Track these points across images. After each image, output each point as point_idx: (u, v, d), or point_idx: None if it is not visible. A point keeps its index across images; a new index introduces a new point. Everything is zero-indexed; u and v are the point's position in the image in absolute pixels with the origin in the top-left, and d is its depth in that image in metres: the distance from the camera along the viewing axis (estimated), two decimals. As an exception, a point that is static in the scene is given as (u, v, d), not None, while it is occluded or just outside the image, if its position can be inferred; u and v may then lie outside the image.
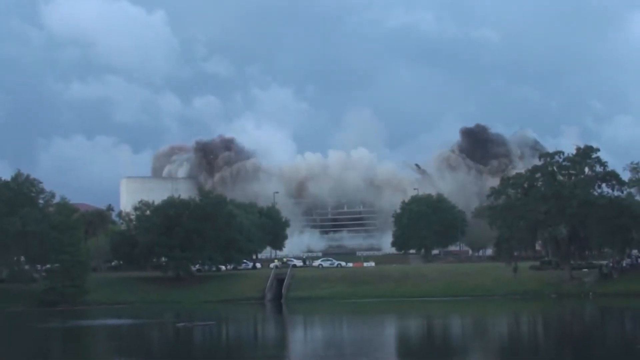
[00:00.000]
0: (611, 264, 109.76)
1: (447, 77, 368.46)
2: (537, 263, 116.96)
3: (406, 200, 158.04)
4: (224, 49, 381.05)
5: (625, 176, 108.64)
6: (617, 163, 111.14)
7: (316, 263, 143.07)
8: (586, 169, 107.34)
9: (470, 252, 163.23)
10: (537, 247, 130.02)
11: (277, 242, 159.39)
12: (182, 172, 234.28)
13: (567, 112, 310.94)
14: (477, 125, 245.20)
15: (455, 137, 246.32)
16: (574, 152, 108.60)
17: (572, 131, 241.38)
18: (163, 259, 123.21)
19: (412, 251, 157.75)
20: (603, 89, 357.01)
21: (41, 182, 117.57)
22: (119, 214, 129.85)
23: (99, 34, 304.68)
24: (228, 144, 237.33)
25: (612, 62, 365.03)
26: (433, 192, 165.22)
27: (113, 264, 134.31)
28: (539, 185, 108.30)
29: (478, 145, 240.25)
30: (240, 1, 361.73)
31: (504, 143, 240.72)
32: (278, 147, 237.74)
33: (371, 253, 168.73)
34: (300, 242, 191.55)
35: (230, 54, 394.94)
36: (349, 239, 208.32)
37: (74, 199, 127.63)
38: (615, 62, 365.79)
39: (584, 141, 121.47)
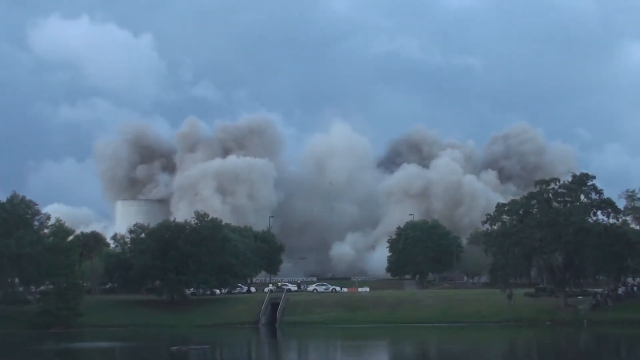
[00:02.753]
0: (606, 292, 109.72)
1: (434, 103, 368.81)
2: (532, 290, 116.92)
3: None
4: (211, 73, 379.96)
5: (621, 204, 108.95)
6: (607, 191, 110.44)
7: (311, 288, 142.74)
8: (581, 197, 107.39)
9: (465, 278, 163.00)
10: (532, 274, 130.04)
11: (272, 266, 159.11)
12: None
13: (555, 139, 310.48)
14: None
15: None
16: (570, 179, 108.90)
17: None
18: (158, 282, 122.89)
19: (407, 277, 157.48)
20: (592, 117, 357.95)
21: (37, 204, 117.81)
22: (114, 237, 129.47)
23: (87, 58, 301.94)
24: None
25: (601, 90, 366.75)
26: None
27: (107, 286, 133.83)
28: (534, 212, 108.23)
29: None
30: (227, 26, 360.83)
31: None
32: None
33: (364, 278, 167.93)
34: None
35: (218, 78, 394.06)
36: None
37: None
38: (604, 90, 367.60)
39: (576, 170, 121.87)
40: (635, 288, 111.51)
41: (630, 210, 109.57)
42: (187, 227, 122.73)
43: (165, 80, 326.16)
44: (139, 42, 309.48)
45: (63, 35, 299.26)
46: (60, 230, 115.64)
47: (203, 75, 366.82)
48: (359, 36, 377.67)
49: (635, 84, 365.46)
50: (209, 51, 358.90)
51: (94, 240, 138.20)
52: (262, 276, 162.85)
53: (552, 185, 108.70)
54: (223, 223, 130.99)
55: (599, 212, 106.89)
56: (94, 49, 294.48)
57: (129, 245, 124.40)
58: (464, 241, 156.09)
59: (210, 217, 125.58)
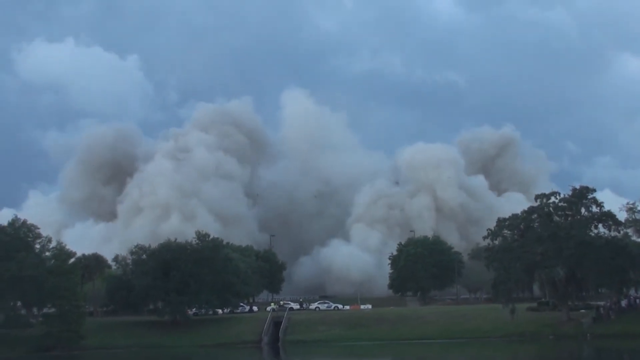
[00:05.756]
0: (609, 305, 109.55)
1: (420, 120, 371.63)
2: (535, 304, 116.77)
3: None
4: (198, 93, 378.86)
5: (622, 216, 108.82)
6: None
7: (313, 306, 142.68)
8: (582, 210, 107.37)
9: (468, 293, 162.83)
10: (534, 289, 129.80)
11: (274, 285, 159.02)
12: None
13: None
14: None
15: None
16: (570, 192, 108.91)
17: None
18: (159, 302, 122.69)
19: (409, 293, 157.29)
20: (581, 131, 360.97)
21: (38, 227, 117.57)
22: (115, 258, 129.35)
23: (73, 81, 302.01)
24: None
25: (590, 103, 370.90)
26: None
27: (110, 308, 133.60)
28: (535, 226, 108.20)
29: None
30: (214, 46, 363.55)
31: None
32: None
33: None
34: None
35: (205, 98, 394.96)
36: None
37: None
38: (593, 103, 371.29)
39: (563, 183, 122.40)
40: (638, 300, 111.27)
41: (632, 222, 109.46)
42: (188, 247, 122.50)
43: (152, 101, 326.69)
44: (125, 64, 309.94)
45: (48, 59, 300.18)
46: (62, 252, 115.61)
47: (190, 95, 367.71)
48: (346, 53, 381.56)
49: (625, 95, 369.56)
50: (195, 71, 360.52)
51: (95, 262, 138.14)
52: (264, 295, 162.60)
53: (553, 199, 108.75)
54: (224, 243, 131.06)
55: (600, 225, 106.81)
56: (80, 72, 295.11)
57: (131, 266, 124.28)
58: (465, 257, 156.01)
59: (211, 236, 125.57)
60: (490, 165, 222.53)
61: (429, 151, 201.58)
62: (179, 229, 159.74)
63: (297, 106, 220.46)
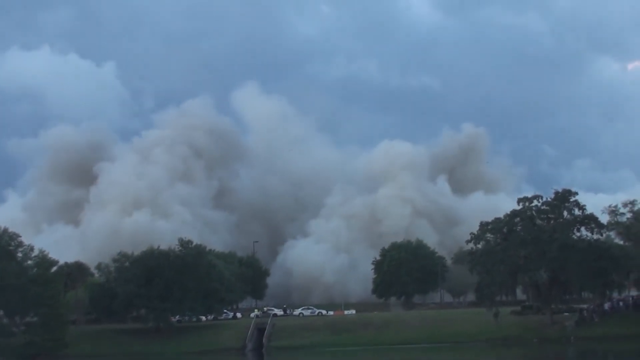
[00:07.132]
0: (592, 308, 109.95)
1: (399, 123, 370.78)
2: (518, 308, 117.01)
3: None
4: (176, 100, 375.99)
5: (604, 219, 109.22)
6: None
7: (297, 312, 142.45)
8: (565, 213, 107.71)
9: (452, 298, 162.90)
10: (518, 292, 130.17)
11: (257, 291, 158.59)
12: None
13: (521, 157, 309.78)
14: None
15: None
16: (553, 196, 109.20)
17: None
18: (143, 310, 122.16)
19: (392, 298, 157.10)
20: (560, 134, 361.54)
21: (20, 236, 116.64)
22: (98, 266, 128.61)
23: (49, 89, 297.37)
24: None
25: (568, 107, 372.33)
26: None
27: (93, 316, 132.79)
28: (518, 229, 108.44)
29: None
30: (191, 52, 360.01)
31: None
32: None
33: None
34: None
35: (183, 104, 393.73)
36: None
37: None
38: (571, 107, 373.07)
39: (541, 186, 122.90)
40: (620, 303, 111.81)
41: (614, 225, 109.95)
42: (171, 254, 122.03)
43: (129, 108, 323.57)
44: (101, 71, 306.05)
45: (24, 67, 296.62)
46: (44, 261, 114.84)
47: (168, 102, 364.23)
48: (323, 59, 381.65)
49: (604, 98, 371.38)
50: (173, 78, 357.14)
51: (78, 270, 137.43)
52: (247, 302, 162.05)
53: (535, 202, 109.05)
54: (208, 249, 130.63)
55: (582, 228, 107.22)
56: (56, 80, 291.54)
57: (113, 274, 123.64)
58: (449, 261, 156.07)
59: (194, 243, 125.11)
60: (456, 168, 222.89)
61: (396, 152, 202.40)
62: (143, 224, 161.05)
63: (251, 102, 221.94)
